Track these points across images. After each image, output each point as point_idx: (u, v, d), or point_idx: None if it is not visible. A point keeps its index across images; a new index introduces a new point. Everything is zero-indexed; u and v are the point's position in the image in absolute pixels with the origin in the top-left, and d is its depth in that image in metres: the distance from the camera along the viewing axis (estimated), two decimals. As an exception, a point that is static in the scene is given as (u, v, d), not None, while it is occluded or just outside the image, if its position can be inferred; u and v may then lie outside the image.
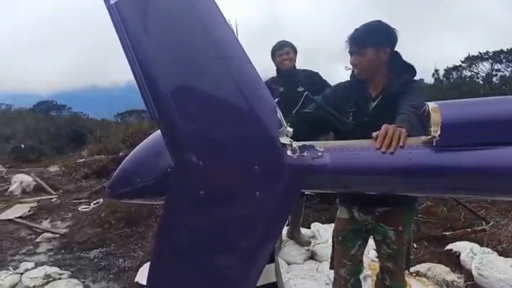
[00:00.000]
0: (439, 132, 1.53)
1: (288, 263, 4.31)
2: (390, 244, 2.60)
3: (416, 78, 2.52)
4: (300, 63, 4.43)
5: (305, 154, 1.56)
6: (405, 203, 2.52)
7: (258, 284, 1.84)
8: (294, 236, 4.69)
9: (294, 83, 4.11)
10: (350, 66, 2.51)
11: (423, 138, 1.63)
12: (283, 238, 4.69)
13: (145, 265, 4.52)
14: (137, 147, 1.97)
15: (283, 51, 4.28)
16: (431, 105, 1.60)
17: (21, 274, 4.67)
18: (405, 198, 2.44)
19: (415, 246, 4.79)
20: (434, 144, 1.55)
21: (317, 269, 4.18)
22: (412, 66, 2.49)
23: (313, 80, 4.22)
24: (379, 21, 2.45)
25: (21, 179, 8.92)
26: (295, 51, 4.35)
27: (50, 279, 4.50)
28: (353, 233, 2.66)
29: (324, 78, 4.31)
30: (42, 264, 4.99)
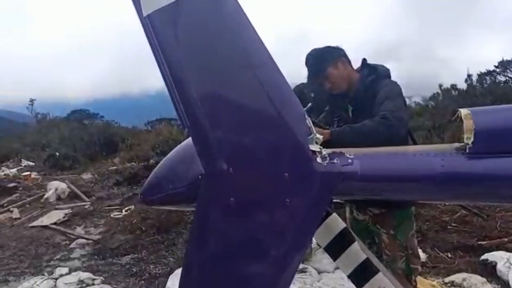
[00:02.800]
0: (472, 139, 1.51)
1: (319, 272, 4.28)
2: (385, 249, 2.63)
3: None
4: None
5: (335, 161, 1.55)
6: (399, 207, 2.59)
7: (349, 272, 1.83)
8: None
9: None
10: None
11: (456, 145, 1.60)
12: (313, 245, 4.67)
13: (176, 271, 4.57)
14: (169, 154, 2.00)
15: None
16: (463, 111, 1.57)
17: (56, 279, 4.80)
18: (399, 202, 2.51)
19: (450, 256, 4.70)
20: (467, 151, 1.53)
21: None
22: (375, 68, 2.72)
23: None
24: (313, 49, 2.73)
25: (56, 186, 9.15)
26: None
27: (84, 284, 4.62)
28: (358, 232, 2.75)
29: None
30: (76, 269, 5.13)
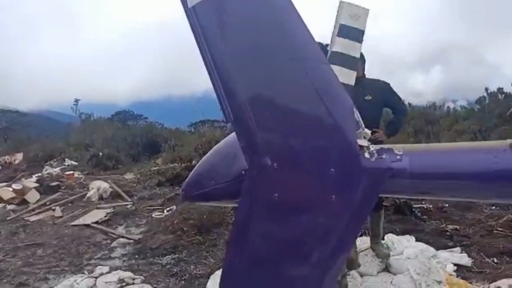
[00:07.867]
0: (529, 135, 1.43)
1: (361, 275, 4.18)
2: None
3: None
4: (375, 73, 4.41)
5: (384, 157, 1.50)
6: None
7: None
8: (373, 248, 4.54)
9: (362, 91, 4.05)
10: None
11: (510, 141, 1.52)
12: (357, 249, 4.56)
13: (216, 272, 4.55)
14: (211, 151, 2.00)
15: None
16: None
17: (96, 278, 4.83)
18: None
19: (496, 261, 4.53)
20: None
21: (391, 282, 4.02)
22: None
23: (383, 90, 4.28)
24: None
25: (98, 186, 9.33)
26: (363, 60, 4.29)
27: (124, 283, 4.63)
28: None
29: (400, 87, 4.32)
30: (117, 268, 5.17)
